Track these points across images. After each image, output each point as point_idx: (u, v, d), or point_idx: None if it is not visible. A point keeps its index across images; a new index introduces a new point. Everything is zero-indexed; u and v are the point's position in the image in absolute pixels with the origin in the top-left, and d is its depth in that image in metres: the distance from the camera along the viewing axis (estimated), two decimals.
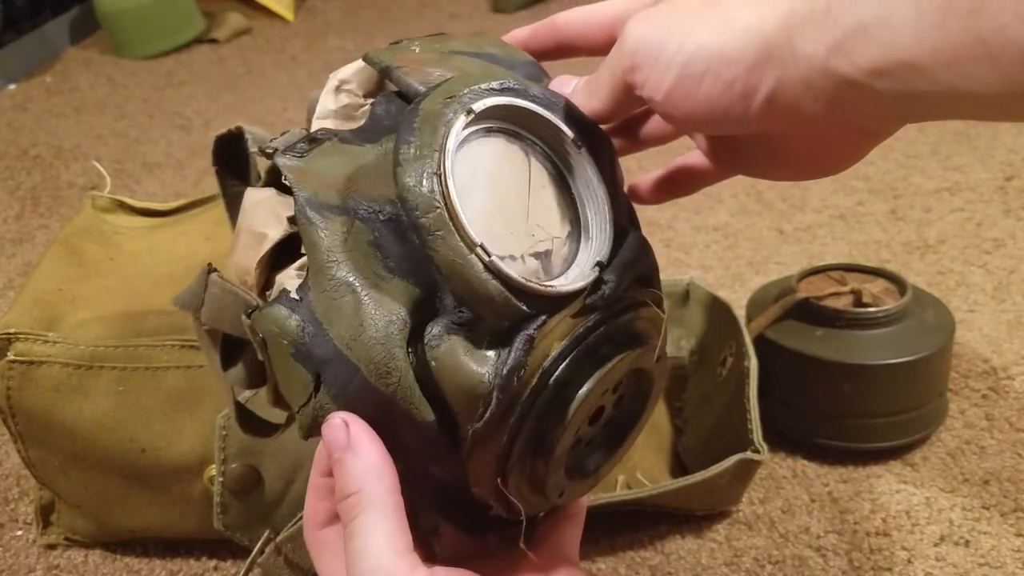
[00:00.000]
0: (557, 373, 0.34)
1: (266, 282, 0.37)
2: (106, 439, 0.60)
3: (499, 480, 0.35)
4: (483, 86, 0.36)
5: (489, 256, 0.33)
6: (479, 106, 0.35)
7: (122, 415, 0.60)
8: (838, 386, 0.69)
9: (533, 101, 0.36)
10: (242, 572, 0.60)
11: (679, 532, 0.67)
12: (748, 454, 0.63)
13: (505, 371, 0.33)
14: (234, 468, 0.59)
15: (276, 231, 0.36)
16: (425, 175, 0.33)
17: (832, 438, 0.71)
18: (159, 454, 0.60)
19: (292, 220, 0.36)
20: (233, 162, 0.43)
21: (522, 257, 0.35)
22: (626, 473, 0.67)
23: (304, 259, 0.35)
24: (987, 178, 1.12)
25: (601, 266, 0.35)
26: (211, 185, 1.27)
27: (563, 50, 0.41)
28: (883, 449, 0.71)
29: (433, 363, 0.33)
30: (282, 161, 0.36)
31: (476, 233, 0.33)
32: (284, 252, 0.37)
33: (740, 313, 0.73)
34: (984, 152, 1.19)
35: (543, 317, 0.34)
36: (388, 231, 0.34)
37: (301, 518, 0.59)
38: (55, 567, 0.67)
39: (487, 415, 0.33)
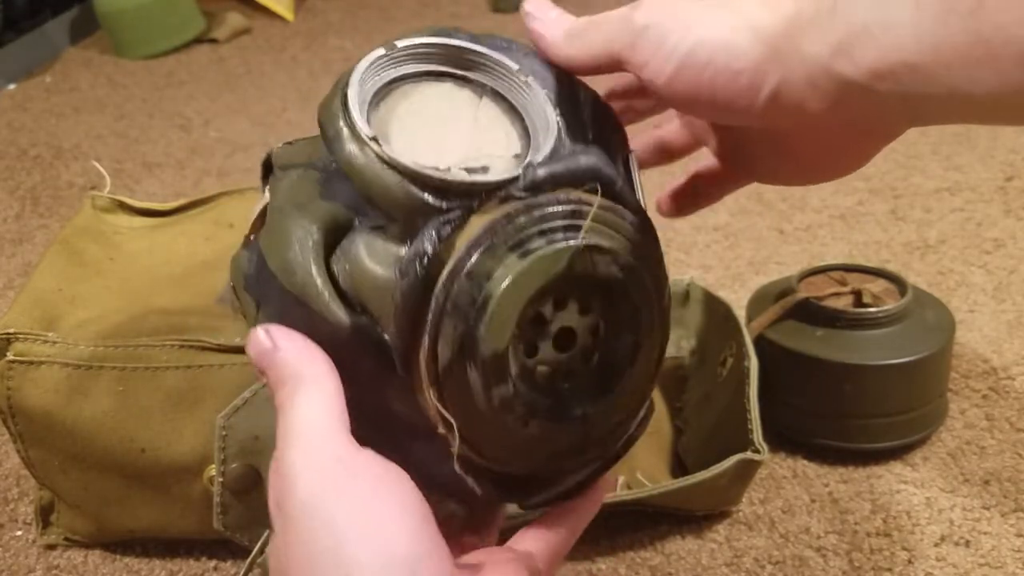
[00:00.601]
0: (472, 262, 0.32)
1: None
2: (106, 439, 0.60)
3: (435, 391, 0.33)
4: (421, 33, 0.37)
5: (380, 146, 0.33)
6: (403, 43, 0.36)
7: (122, 415, 0.60)
8: (838, 386, 0.69)
9: (474, 42, 0.37)
10: (242, 572, 0.60)
11: (679, 532, 0.67)
12: (748, 454, 0.63)
13: (408, 260, 0.32)
14: (234, 468, 0.59)
15: (261, 204, 0.37)
16: (332, 94, 0.35)
17: (832, 438, 0.71)
18: (159, 454, 0.60)
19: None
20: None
21: (448, 169, 0.33)
22: (626, 473, 0.67)
23: None
24: (987, 178, 1.12)
25: (531, 166, 0.34)
26: (211, 185, 1.27)
27: None
28: (883, 449, 0.71)
29: (347, 267, 0.33)
30: (276, 151, 0.38)
31: (377, 134, 0.33)
32: None
33: (740, 313, 0.73)
34: (984, 152, 1.19)
35: (458, 212, 0.33)
36: (335, 173, 0.35)
37: None
38: (55, 567, 0.67)
39: (395, 309, 0.32)
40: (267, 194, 0.37)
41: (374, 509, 0.30)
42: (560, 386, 0.35)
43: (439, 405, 0.33)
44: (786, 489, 0.70)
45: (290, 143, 0.38)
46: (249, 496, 0.60)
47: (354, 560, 0.29)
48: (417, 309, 0.32)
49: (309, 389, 0.32)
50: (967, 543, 0.64)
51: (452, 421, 0.33)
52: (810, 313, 0.71)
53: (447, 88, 0.37)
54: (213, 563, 0.66)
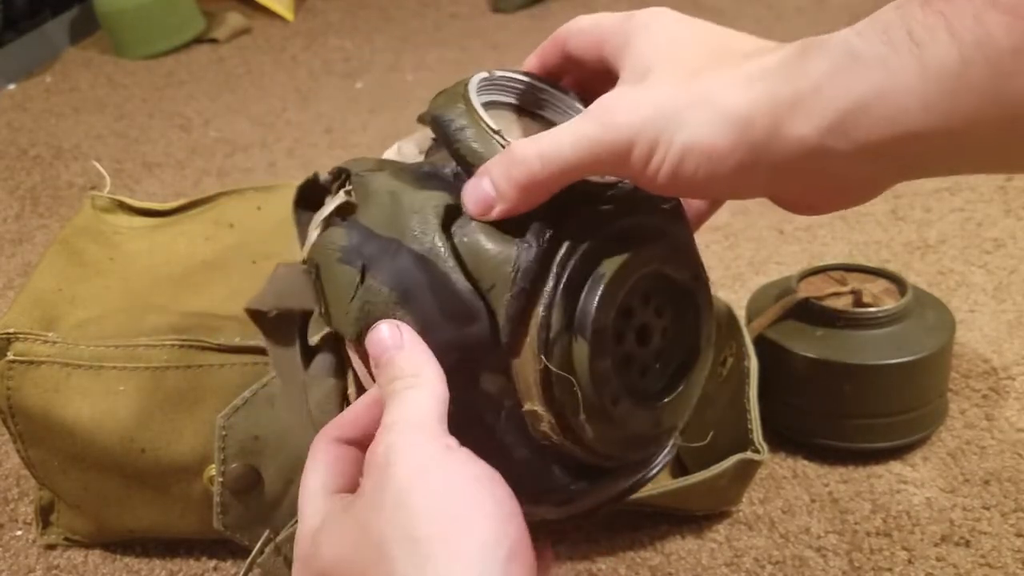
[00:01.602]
0: (586, 245, 0.36)
1: None
2: (106, 439, 0.60)
3: (542, 358, 0.35)
4: (508, 69, 0.42)
5: (507, 141, 0.37)
6: (500, 72, 0.41)
7: (122, 415, 0.60)
8: (838, 386, 0.69)
9: (550, 86, 0.42)
10: (242, 572, 0.60)
11: (679, 532, 0.67)
12: (748, 454, 0.63)
13: (530, 234, 0.36)
14: (234, 468, 0.59)
15: (336, 202, 0.41)
16: (450, 97, 0.39)
17: (832, 438, 0.71)
18: (159, 454, 0.60)
19: (345, 204, 0.41)
20: (312, 206, 0.49)
21: None
22: None
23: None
24: (987, 178, 1.12)
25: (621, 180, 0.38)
26: (211, 185, 1.27)
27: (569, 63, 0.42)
28: (883, 449, 0.71)
29: (465, 239, 0.37)
30: (344, 163, 0.42)
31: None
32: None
33: (740, 313, 0.73)
34: None
35: (569, 203, 0.36)
36: (426, 175, 0.40)
37: None
38: (55, 567, 0.67)
39: (519, 275, 0.35)
40: (342, 194, 0.40)
41: (465, 506, 0.31)
42: (637, 376, 0.39)
43: (550, 366, 0.36)
44: (786, 489, 0.70)
45: (353, 159, 0.42)
46: (249, 496, 0.60)
47: (440, 550, 0.30)
48: (536, 278, 0.36)
49: (423, 389, 0.35)
50: (967, 543, 0.64)
51: (568, 376, 0.36)
52: (810, 313, 0.71)
53: (525, 120, 0.42)
54: (213, 563, 0.66)
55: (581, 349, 0.36)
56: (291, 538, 0.59)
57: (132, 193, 1.24)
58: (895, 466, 0.71)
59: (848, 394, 0.69)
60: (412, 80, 1.60)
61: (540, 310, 0.35)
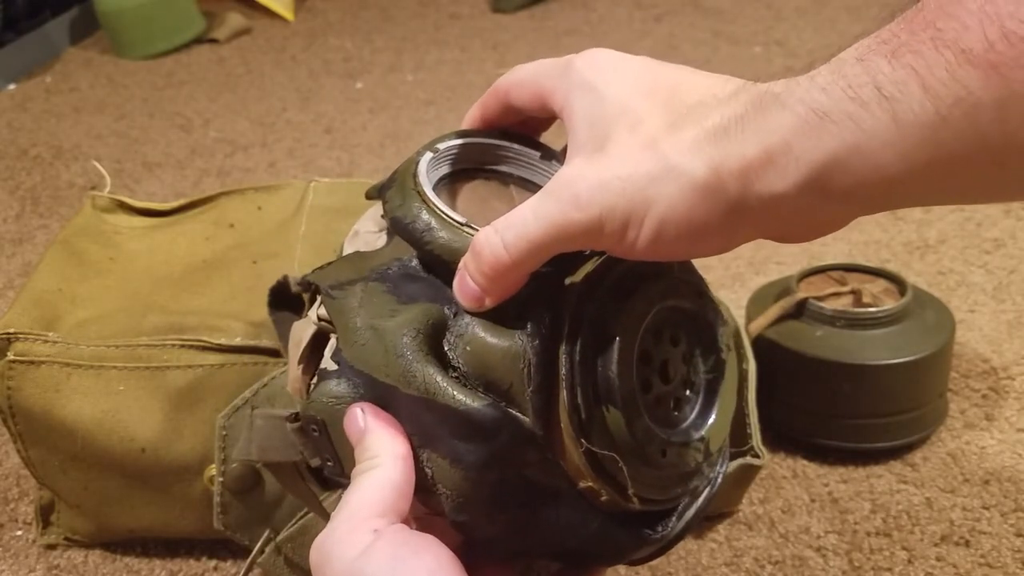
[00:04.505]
0: (587, 312, 0.35)
1: (313, 376, 0.39)
2: (106, 439, 0.60)
3: (582, 442, 0.35)
4: (449, 136, 0.41)
5: (474, 229, 0.36)
6: (443, 144, 0.40)
7: (122, 415, 0.60)
8: (838, 386, 0.69)
9: (500, 138, 0.41)
10: (242, 572, 0.60)
11: None
12: (748, 460, 0.63)
13: (531, 323, 0.35)
14: (234, 468, 0.59)
15: (309, 331, 0.39)
16: (405, 196, 0.38)
17: (832, 438, 0.71)
18: (159, 454, 0.60)
19: (321, 319, 0.39)
20: (288, 304, 0.49)
21: None
22: None
23: (333, 340, 0.38)
24: None
25: None
26: (211, 185, 1.27)
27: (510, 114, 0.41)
28: (883, 449, 0.71)
29: (468, 348, 0.35)
30: (312, 276, 0.40)
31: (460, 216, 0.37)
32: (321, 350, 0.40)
33: (740, 313, 0.73)
34: None
35: (556, 275, 0.36)
36: (399, 278, 0.38)
37: (301, 518, 0.59)
38: (55, 567, 0.67)
39: (533, 370, 0.34)
40: (314, 314, 0.39)
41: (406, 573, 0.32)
42: (674, 414, 0.39)
43: (593, 448, 0.35)
44: (786, 489, 0.70)
45: (320, 268, 0.40)
46: (249, 496, 0.60)
47: None
48: (550, 366, 0.35)
49: (376, 473, 0.35)
50: (967, 543, 0.64)
51: (615, 457, 0.35)
52: (810, 313, 0.71)
53: (479, 183, 0.41)
54: (213, 563, 0.66)
55: (615, 418, 0.35)
56: (291, 538, 0.59)
57: (132, 193, 1.24)
58: (895, 466, 0.71)
59: (848, 394, 0.69)
60: (412, 80, 1.60)
61: (564, 395, 0.35)
